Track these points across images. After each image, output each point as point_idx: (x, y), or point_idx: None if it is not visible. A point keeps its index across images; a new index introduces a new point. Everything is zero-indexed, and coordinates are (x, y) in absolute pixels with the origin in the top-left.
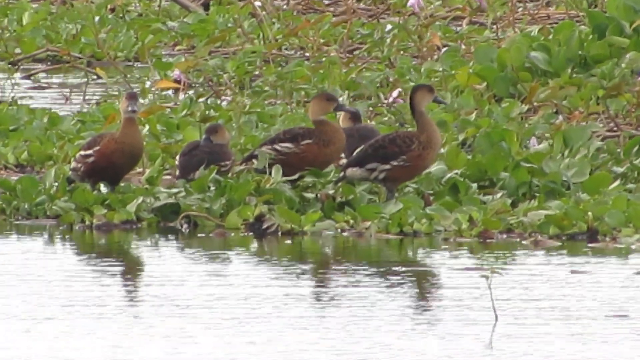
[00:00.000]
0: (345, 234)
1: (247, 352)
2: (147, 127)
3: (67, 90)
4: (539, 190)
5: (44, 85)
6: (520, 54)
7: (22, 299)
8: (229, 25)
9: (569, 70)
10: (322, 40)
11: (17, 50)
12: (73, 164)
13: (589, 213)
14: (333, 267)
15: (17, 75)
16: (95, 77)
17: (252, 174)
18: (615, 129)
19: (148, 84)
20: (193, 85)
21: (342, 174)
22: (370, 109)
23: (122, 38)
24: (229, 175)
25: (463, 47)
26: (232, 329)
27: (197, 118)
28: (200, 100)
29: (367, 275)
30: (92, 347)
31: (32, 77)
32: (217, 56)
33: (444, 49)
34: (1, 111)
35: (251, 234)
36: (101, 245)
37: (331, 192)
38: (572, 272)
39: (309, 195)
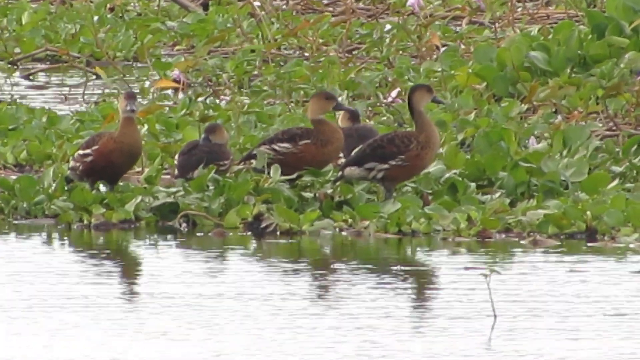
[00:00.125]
0: (343, 233)
1: (240, 352)
2: (146, 126)
3: (67, 89)
4: (537, 189)
5: (40, 84)
6: (519, 53)
7: (19, 298)
8: (228, 25)
9: (568, 70)
10: (321, 40)
11: (17, 50)
12: (71, 163)
13: (588, 212)
14: (330, 266)
15: (17, 74)
16: (94, 76)
17: (251, 173)
18: (614, 128)
19: (147, 83)
20: (192, 84)
21: (340, 173)
22: (369, 108)
23: (121, 38)
24: (228, 174)
25: (462, 46)
26: (226, 327)
27: (196, 117)
28: (199, 99)
29: (365, 274)
30: (85, 345)
31: (31, 77)
32: (216, 56)
33: (443, 49)
34: (0, 110)
35: (250, 233)
36: (100, 244)
37: (330, 191)
38: (571, 271)
39: (308, 194)
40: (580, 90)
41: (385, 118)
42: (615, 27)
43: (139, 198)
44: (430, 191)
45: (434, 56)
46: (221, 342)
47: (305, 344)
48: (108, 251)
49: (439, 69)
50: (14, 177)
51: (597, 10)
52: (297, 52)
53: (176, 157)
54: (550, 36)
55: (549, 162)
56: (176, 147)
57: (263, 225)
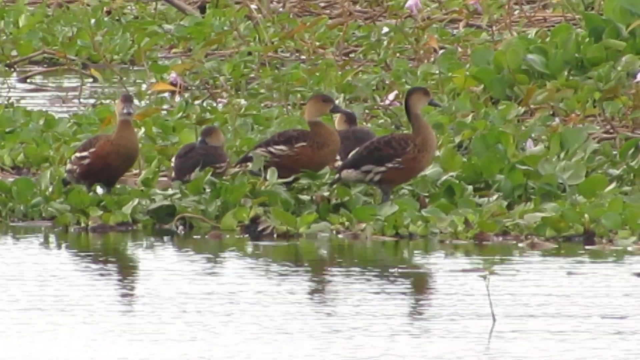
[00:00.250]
0: (340, 236)
1: (234, 353)
2: (143, 129)
3: (63, 92)
4: (534, 192)
5: (37, 86)
6: (517, 56)
7: (14, 300)
8: (225, 28)
9: (566, 73)
10: (318, 43)
11: (14, 53)
12: (69, 166)
13: (586, 215)
14: (327, 269)
15: (14, 77)
16: (91, 79)
17: (248, 176)
18: (611, 131)
19: (144, 86)
20: (189, 87)
21: (337, 176)
22: (367, 111)
23: (118, 41)
24: (224, 177)
25: (460, 49)
26: (220, 329)
27: (193, 120)
28: (196, 102)
29: (362, 277)
30: (81, 347)
31: (28, 80)
32: (214, 59)
33: (440, 52)
34: None
35: (246, 235)
36: (97, 247)
37: (326, 194)
38: (569, 274)
39: (304, 197)
40: (577, 93)
41: (382, 121)
42: (613, 30)
43: (136, 201)
44: (427, 194)
45: (432, 59)
46: (214, 344)
47: (300, 347)
48: (105, 254)
49: (437, 72)
50: (11, 179)
51: (594, 13)
52: (294, 55)
53: (173, 159)
54: (547, 39)
55: (546, 165)
56: (173, 149)
57: (260, 228)
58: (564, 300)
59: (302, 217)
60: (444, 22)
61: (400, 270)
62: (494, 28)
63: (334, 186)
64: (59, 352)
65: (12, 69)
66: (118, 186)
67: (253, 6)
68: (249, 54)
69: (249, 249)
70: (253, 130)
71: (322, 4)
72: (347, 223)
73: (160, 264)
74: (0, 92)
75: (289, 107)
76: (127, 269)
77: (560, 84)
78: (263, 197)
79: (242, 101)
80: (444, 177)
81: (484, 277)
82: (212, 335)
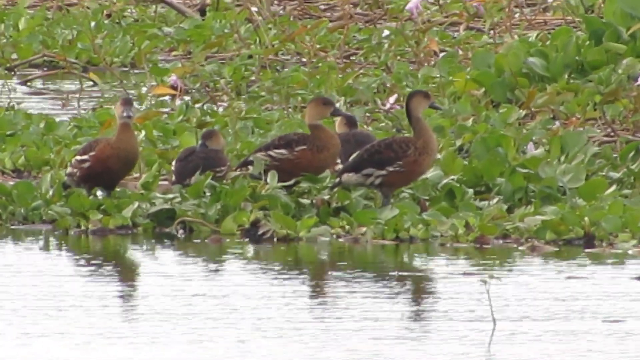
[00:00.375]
0: (340, 239)
1: (229, 355)
2: (143, 132)
3: (64, 96)
4: (535, 195)
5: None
6: (517, 59)
7: (13, 301)
8: (226, 30)
9: (566, 76)
10: (318, 46)
11: (14, 56)
12: (69, 169)
13: (586, 218)
14: (328, 273)
15: (14, 80)
16: (92, 82)
17: (248, 179)
18: (612, 134)
19: (144, 89)
20: (189, 90)
21: (337, 179)
22: (367, 114)
23: (119, 43)
24: (225, 181)
25: (460, 52)
26: (217, 332)
27: (194, 124)
28: (197, 105)
29: (363, 281)
30: (77, 350)
31: (28, 83)
32: (214, 62)
33: (441, 55)
34: None
35: (247, 239)
36: (96, 250)
37: (327, 197)
38: (569, 277)
39: (305, 201)
40: (578, 97)
41: (383, 124)
42: (613, 33)
43: (136, 204)
44: (427, 197)
45: (432, 62)
46: (212, 347)
47: (298, 349)
48: (105, 257)
49: (437, 75)
50: (11, 182)
51: (594, 16)
52: (295, 58)
53: (173, 163)
54: (548, 42)
55: (546, 168)
56: (173, 153)
57: (260, 231)
58: (564, 304)
59: (302, 221)
60: (445, 25)
61: (400, 273)
62: (495, 31)
63: (335, 190)
64: (57, 354)
65: (13, 72)
66: (118, 189)
67: (253, 9)
68: (250, 56)
69: (249, 253)
70: (254, 133)
71: (323, 7)
72: (347, 227)
73: (159, 267)
74: (1, 95)
75: (290, 110)
76: (126, 273)
77: (561, 87)
78: (263, 200)
79: (243, 104)
80: (445, 181)
81: (485, 282)
82: (210, 337)
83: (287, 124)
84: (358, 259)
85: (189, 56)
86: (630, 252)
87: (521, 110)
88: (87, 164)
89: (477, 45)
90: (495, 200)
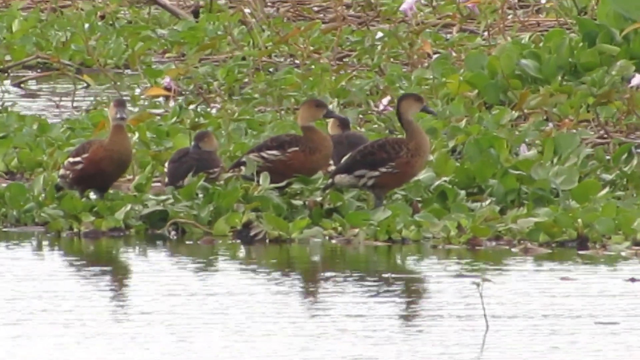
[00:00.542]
0: (333, 241)
1: (222, 355)
2: (137, 134)
3: (57, 98)
4: (527, 197)
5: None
6: (510, 61)
7: (6, 304)
8: (219, 32)
9: (559, 78)
10: (312, 48)
11: (7, 58)
12: (62, 171)
13: (579, 220)
14: (320, 274)
15: (7, 82)
16: (85, 84)
17: (240, 181)
18: (605, 136)
19: (138, 91)
20: (183, 92)
21: (330, 181)
22: (360, 116)
23: (112, 45)
24: (217, 182)
25: (454, 54)
26: (212, 333)
27: (187, 125)
28: (190, 107)
29: (355, 282)
30: (71, 353)
31: (22, 85)
32: (207, 63)
33: (434, 57)
34: None
35: (239, 241)
36: (89, 252)
37: (319, 199)
38: (562, 279)
39: (297, 202)
40: (571, 98)
41: (376, 126)
42: (606, 35)
43: (129, 206)
44: (420, 199)
45: (425, 64)
46: (204, 347)
47: (290, 349)
48: (97, 259)
49: (430, 77)
50: (4, 184)
51: (587, 18)
52: (288, 60)
53: (166, 164)
54: (541, 44)
55: (539, 170)
56: (167, 155)
57: (252, 233)
58: (557, 306)
59: (294, 222)
60: (438, 27)
61: (392, 275)
62: (488, 33)
63: (327, 191)
64: (47, 355)
65: (6, 74)
66: (111, 191)
67: (247, 11)
68: (243, 58)
69: (241, 255)
70: (247, 135)
71: (316, 9)
72: (339, 228)
73: (152, 269)
74: None
75: (283, 112)
76: (119, 275)
77: (554, 89)
78: (256, 202)
79: (236, 106)
80: (437, 182)
81: (477, 285)
82: (202, 338)
83: (279, 126)
84: (350, 261)
85: (182, 58)
86: (623, 253)
87: (514, 112)
88: (80, 166)
89: (470, 47)
90: (487, 202)
